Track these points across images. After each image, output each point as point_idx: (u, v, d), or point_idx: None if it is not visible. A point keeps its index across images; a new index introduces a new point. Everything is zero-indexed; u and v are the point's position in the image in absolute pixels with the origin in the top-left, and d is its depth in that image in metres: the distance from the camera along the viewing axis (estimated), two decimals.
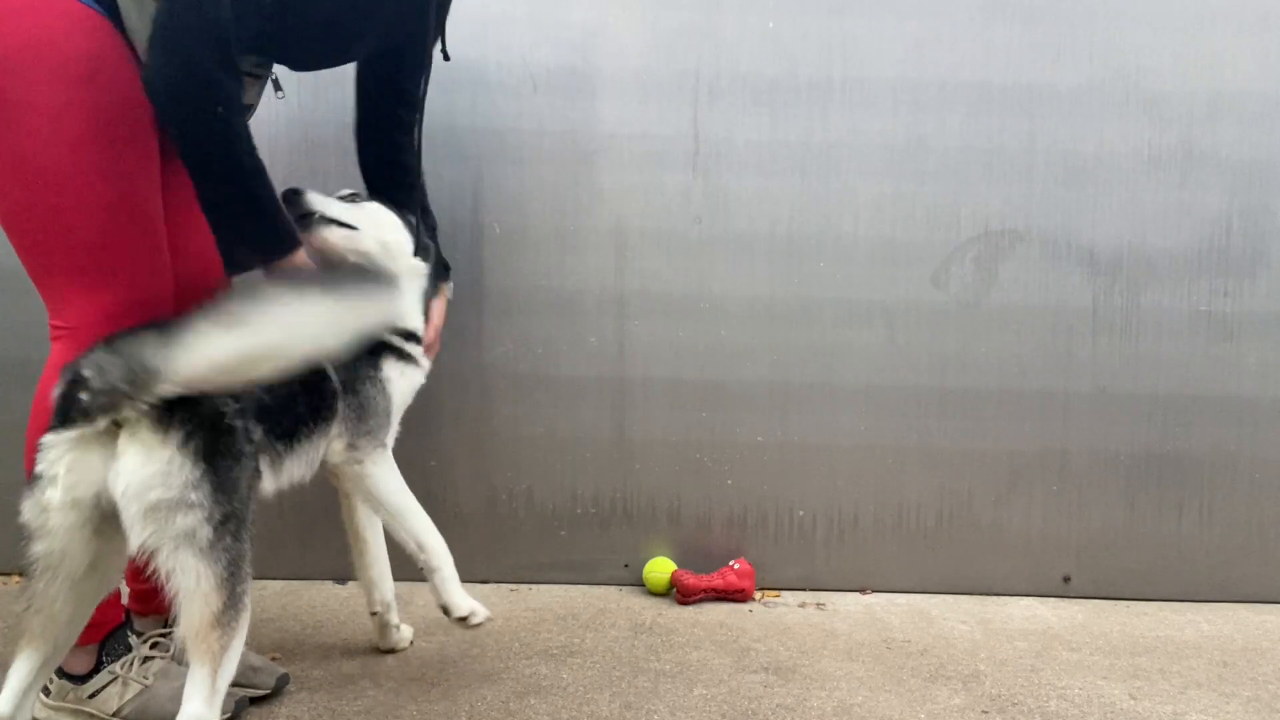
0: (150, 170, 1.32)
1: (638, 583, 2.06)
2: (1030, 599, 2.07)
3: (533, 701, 1.49)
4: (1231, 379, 2.06)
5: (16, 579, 1.99)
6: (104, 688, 1.34)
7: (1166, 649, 1.80)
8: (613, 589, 2.06)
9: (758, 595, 2.03)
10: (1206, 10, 1.99)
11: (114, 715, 1.35)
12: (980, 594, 2.08)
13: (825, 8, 1.98)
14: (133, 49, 1.26)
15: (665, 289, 2.03)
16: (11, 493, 1.99)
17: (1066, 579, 2.09)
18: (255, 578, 2.08)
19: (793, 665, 1.66)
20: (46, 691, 1.34)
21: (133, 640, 1.39)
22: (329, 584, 2.03)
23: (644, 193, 2.01)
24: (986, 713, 1.50)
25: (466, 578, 2.04)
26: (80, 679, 1.34)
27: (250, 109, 1.44)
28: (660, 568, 2.01)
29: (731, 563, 2.02)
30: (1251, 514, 2.08)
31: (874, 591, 2.08)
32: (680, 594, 1.97)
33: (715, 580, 1.98)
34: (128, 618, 1.43)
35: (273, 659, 1.60)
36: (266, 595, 1.94)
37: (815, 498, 2.07)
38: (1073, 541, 2.08)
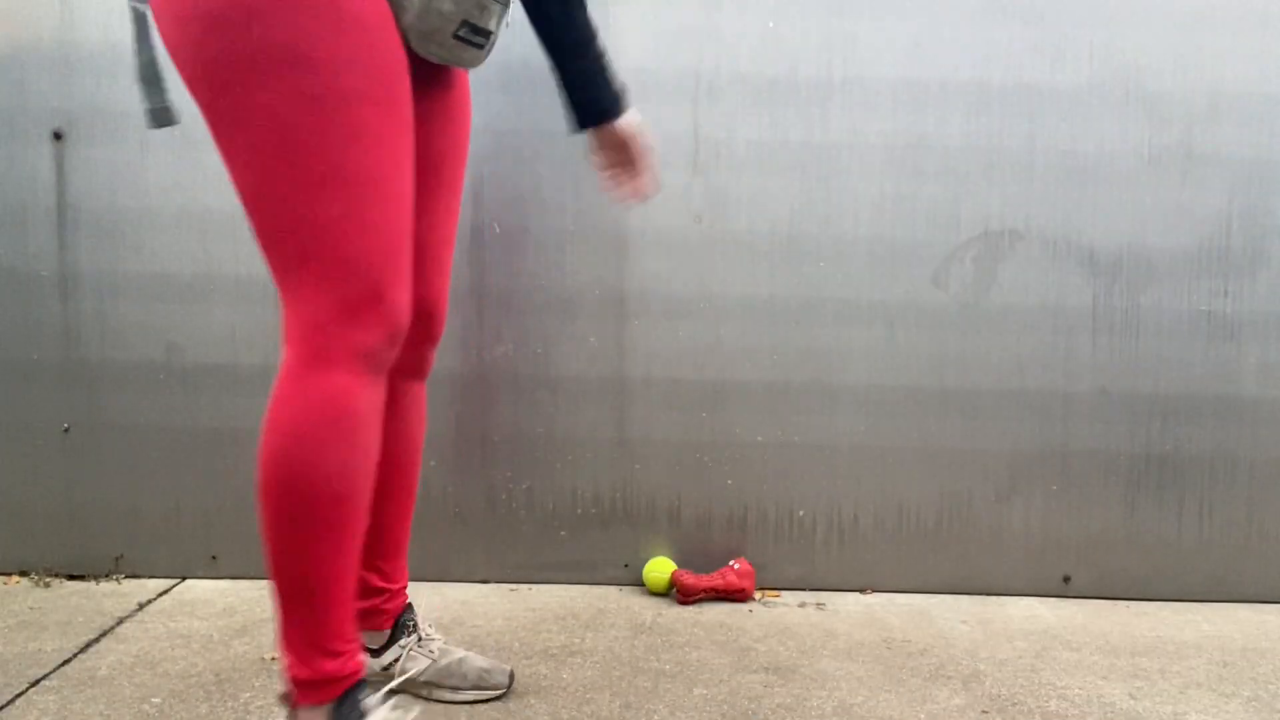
0: (407, 143, 1.15)
1: (638, 583, 2.06)
2: (1030, 599, 2.07)
3: (533, 701, 1.49)
4: (1231, 379, 2.06)
5: (16, 579, 1.99)
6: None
7: (1166, 649, 1.80)
8: (613, 589, 2.06)
9: (758, 595, 2.03)
10: (1206, 10, 1.99)
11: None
12: (980, 594, 2.08)
13: (825, 8, 1.98)
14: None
15: (665, 289, 2.03)
16: (12, 493, 2.00)
17: (1066, 579, 2.09)
18: (256, 578, 2.09)
19: (793, 665, 1.66)
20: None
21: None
22: None
23: None
24: (986, 713, 1.50)
25: (466, 578, 2.07)
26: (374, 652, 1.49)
27: (491, 36, 1.29)
28: (660, 568, 2.01)
29: (731, 563, 2.02)
30: (1251, 514, 2.08)
31: (874, 591, 2.08)
32: (680, 594, 1.97)
33: (715, 580, 1.98)
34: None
35: (273, 659, 1.60)
36: (266, 595, 1.94)
37: (815, 498, 2.07)
38: (1073, 541, 2.08)
